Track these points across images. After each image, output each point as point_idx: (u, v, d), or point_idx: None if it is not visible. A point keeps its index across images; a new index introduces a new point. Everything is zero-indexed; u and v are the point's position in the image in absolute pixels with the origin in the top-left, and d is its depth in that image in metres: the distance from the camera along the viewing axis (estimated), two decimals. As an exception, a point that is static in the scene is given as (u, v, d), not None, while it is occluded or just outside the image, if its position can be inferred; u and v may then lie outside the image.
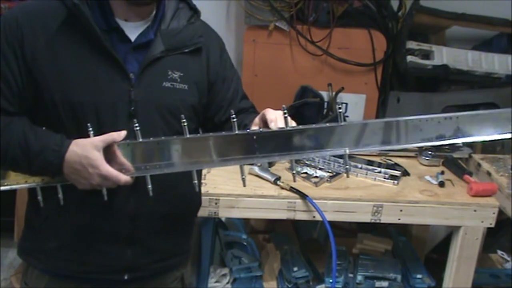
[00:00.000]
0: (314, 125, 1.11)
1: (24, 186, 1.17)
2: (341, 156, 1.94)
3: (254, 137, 1.10)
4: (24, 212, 1.30)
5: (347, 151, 1.12)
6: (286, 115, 1.09)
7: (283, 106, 1.10)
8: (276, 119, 1.10)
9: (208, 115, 1.31)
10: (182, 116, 1.10)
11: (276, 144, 1.11)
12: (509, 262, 2.43)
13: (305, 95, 2.44)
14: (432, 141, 1.12)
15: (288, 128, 1.09)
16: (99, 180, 1.08)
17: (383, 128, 1.12)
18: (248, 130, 1.11)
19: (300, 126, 1.11)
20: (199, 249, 2.03)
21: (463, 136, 1.12)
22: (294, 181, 1.21)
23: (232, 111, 1.10)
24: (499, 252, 2.49)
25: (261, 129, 1.11)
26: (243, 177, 1.16)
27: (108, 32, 1.14)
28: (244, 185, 1.17)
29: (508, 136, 1.12)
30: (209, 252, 2.02)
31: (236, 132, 1.10)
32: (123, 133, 1.09)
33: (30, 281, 1.30)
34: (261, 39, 2.46)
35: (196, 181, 1.15)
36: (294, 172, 1.17)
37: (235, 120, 1.10)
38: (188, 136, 1.11)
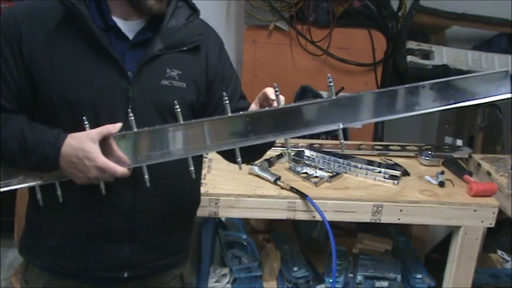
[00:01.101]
0: (306, 102, 1.11)
1: (23, 186, 1.17)
2: (341, 156, 1.95)
3: (247, 118, 1.11)
4: (24, 212, 1.30)
5: (341, 126, 1.11)
6: (278, 93, 1.09)
7: (275, 84, 1.10)
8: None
9: (206, 114, 1.31)
10: (175, 102, 1.10)
11: (270, 124, 1.11)
12: (509, 262, 2.43)
13: (305, 95, 2.44)
14: (427, 108, 1.12)
15: (280, 107, 1.10)
16: (96, 172, 1.08)
17: (376, 99, 1.12)
18: (241, 112, 1.11)
19: (292, 104, 1.11)
20: (199, 249, 2.03)
21: (458, 101, 1.11)
22: (289, 161, 1.21)
23: (224, 94, 1.11)
24: (499, 252, 2.49)
25: (253, 110, 1.11)
26: (238, 159, 1.15)
27: (106, 31, 1.15)
28: (240, 169, 1.17)
29: (507, 96, 1.12)
30: (209, 252, 2.02)
31: (229, 115, 1.10)
32: (118, 125, 1.10)
33: (30, 279, 1.30)
34: (261, 39, 2.46)
35: (192, 168, 1.14)
36: (289, 150, 1.17)
37: (227, 102, 1.10)
38: (182, 122, 1.11)
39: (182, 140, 1.13)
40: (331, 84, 1.10)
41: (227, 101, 1.11)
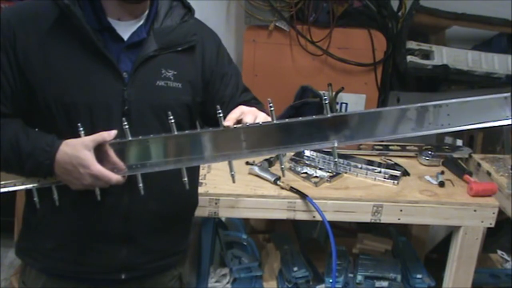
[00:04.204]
0: (301, 118, 1.09)
1: (20, 188, 1.17)
2: (341, 156, 1.95)
3: (242, 131, 1.10)
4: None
5: (336, 144, 1.10)
6: (272, 109, 1.08)
7: (269, 99, 1.09)
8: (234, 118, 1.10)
9: (211, 113, 1.30)
10: (169, 113, 1.10)
11: (264, 138, 1.10)
12: (509, 262, 2.43)
13: (305, 95, 2.44)
14: (423, 131, 1.10)
15: (275, 122, 1.09)
16: (90, 180, 1.07)
17: (372, 119, 1.10)
18: (235, 126, 1.10)
19: (287, 120, 1.10)
20: (199, 249, 2.03)
21: (454, 126, 1.09)
22: (283, 175, 1.20)
23: (218, 107, 1.10)
24: (499, 252, 2.49)
25: (248, 124, 1.10)
26: (232, 173, 1.15)
27: (101, 32, 1.14)
28: (234, 181, 1.16)
29: (505, 122, 1.09)
30: (209, 252, 2.02)
31: (223, 127, 1.10)
32: (113, 133, 1.09)
33: (28, 280, 1.30)
34: (261, 39, 2.46)
35: (186, 179, 1.14)
36: (283, 167, 1.16)
37: (221, 115, 1.09)
38: (176, 133, 1.11)
39: (175, 151, 1.12)
40: (327, 102, 1.08)
41: (221, 115, 1.09)
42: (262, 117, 1.13)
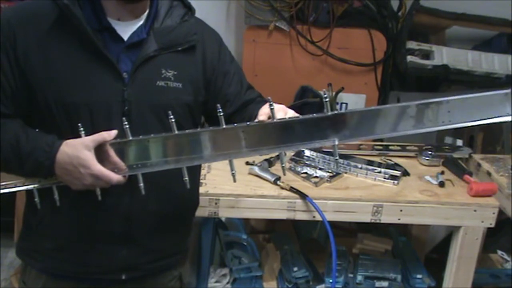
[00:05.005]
0: (301, 117, 1.09)
1: (21, 188, 1.17)
2: (341, 156, 1.95)
3: (242, 130, 1.09)
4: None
5: (336, 142, 1.10)
6: (272, 107, 1.08)
7: (269, 98, 1.09)
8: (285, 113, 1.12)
9: (214, 113, 1.29)
10: (169, 112, 1.09)
11: (264, 137, 1.10)
12: (509, 262, 2.43)
13: (305, 95, 2.44)
14: (423, 128, 1.09)
15: (275, 121, 1.09)
16: (91, 180, 1.07)
17: (372, 116, 1.09)
18: (235, 124, 1.10)
19: (287, 118, 1.09)
20: (199, 249, 2.03)
21: (455, 122, 1.08)
22: (284, 174, 1.20)
23: (218, 105, 1.10)
24: (499, 252, 2.49)
25: (248, 123, 1.10)
26: (233, 172, 1.15)
27: (100, 32, 1.14)
28: (234, 181, 1.16)
29: (506, 118, 1.08)
30: (209, 252, 2.02)
31: (224, 126, 1.09)
32: (113, 133, 1.09)
33: (28, 280, 1.30)
34: (261, 39, 2.46)
35: (186, 178, 1.14)
36: (284, 165, 1.16)
37: (221, 114, 1.09)
38: (176, 132, 1.10)
39: (176, 150, 1.12)
40: (327, 99, 1.08)
41: (221, 113, 1.09)
42: (291, 114, 1.13)
